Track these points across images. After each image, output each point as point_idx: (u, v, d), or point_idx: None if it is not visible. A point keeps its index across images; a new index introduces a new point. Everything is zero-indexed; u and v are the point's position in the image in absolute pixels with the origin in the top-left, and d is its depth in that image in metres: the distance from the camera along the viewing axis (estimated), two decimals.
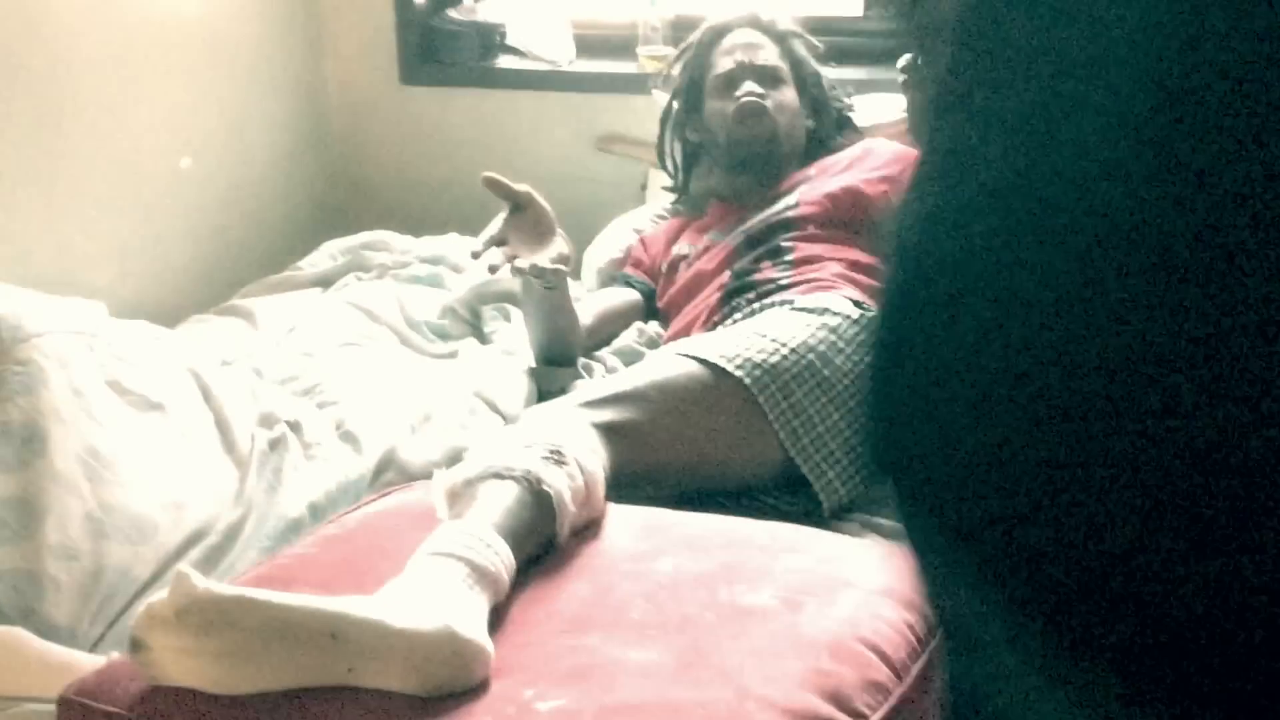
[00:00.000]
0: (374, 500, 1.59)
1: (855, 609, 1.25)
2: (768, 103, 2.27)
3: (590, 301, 2.26)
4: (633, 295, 2.32)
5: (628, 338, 2.29)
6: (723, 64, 2.32)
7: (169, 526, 1.72)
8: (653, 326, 2.32)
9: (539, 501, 1.40)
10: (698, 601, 1.28)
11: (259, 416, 1.97)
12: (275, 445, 1.89)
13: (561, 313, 2.07)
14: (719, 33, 2.38)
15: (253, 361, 2.25)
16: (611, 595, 1.31)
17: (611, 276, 2.42)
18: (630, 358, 2.25)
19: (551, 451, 1.46)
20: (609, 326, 2.25)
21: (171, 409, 1.94)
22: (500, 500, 1.39)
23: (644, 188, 2.86)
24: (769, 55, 2.33)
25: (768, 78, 2.31)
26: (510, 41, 3.01)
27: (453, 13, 3.00)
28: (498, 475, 1.42)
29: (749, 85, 2.28)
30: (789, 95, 2.33)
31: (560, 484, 1.42)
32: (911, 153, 2.20)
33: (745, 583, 1.30)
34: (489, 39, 2.99)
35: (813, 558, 1.35)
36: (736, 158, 2.29)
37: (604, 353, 2.24)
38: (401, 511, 1.53)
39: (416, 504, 1.52)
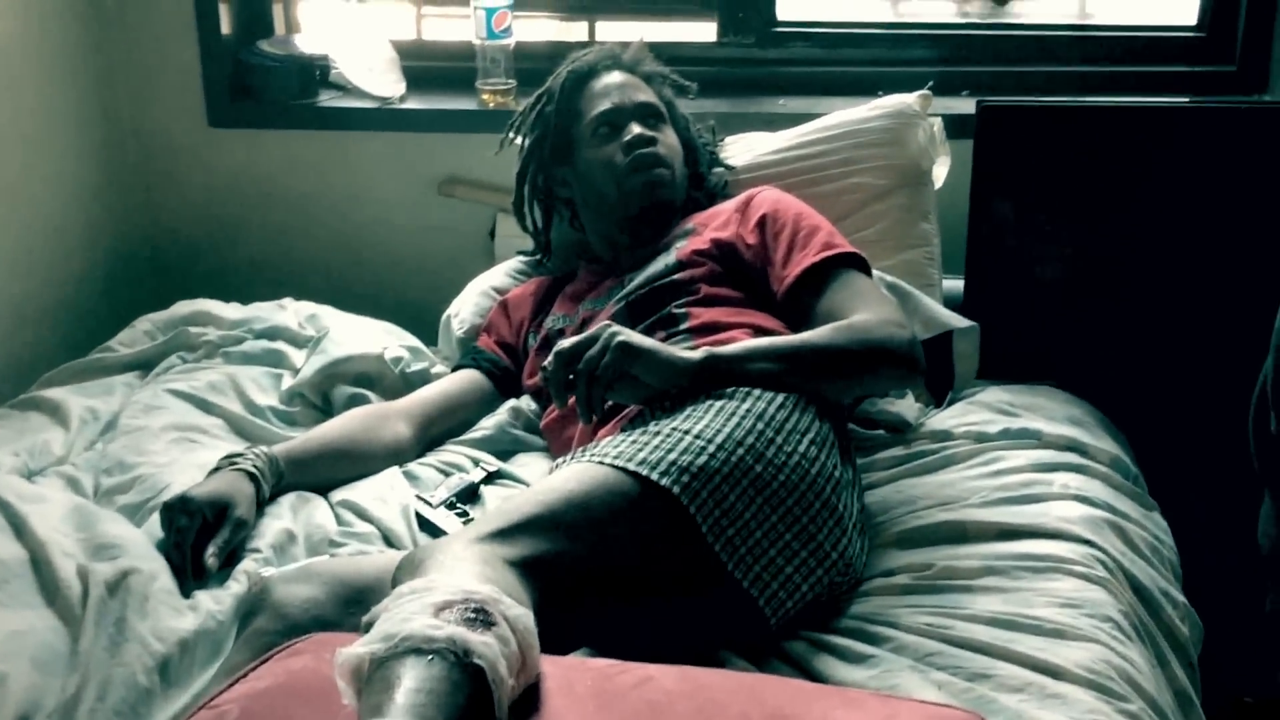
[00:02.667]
0: (252, 670, 1.31)
1: None
2: (659, 148, 2.06)
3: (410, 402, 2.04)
4: (470, 384, 2.10)
5: (495, 420, 2.04)
6: (598, 106, 2.08)
7: None
8: (525, 403, 2.08)
9: (470, 678, 1.16)
10: None
11: (87, 550, 1.66)
12: (114, 588, 1.58)
13: None
14: (583, 76, 2.14)
15: (65, 470, 1.93)
16: None
17: (473, 349, 2.18)
18: (502, 443, 2.01)
19: (475, 610, 1.21)
20: (439, 425, 2.04)
21: None
22: (424, 683, 1.13)
23: (492, 234, 2.62)
24: (646, 94, 2.12)
25: (650, 117, 2.09)
26: (333, 77, 2.71)
27: (265, 45, 2.69)
28: (416, 650, 1.16)
29: (636, 127, 2.06)
30: (673, 137, 2.12)
31: (493, 653, 1.18)
32: (790, 199, 2.02)
33: None
34: (308, 74, 2.69)
35: None
36: (627, 211, 2.06)
37: (467, 448, 1.99)
38: (291, 689, 1.26)
39: (309, 677, 1.25)
